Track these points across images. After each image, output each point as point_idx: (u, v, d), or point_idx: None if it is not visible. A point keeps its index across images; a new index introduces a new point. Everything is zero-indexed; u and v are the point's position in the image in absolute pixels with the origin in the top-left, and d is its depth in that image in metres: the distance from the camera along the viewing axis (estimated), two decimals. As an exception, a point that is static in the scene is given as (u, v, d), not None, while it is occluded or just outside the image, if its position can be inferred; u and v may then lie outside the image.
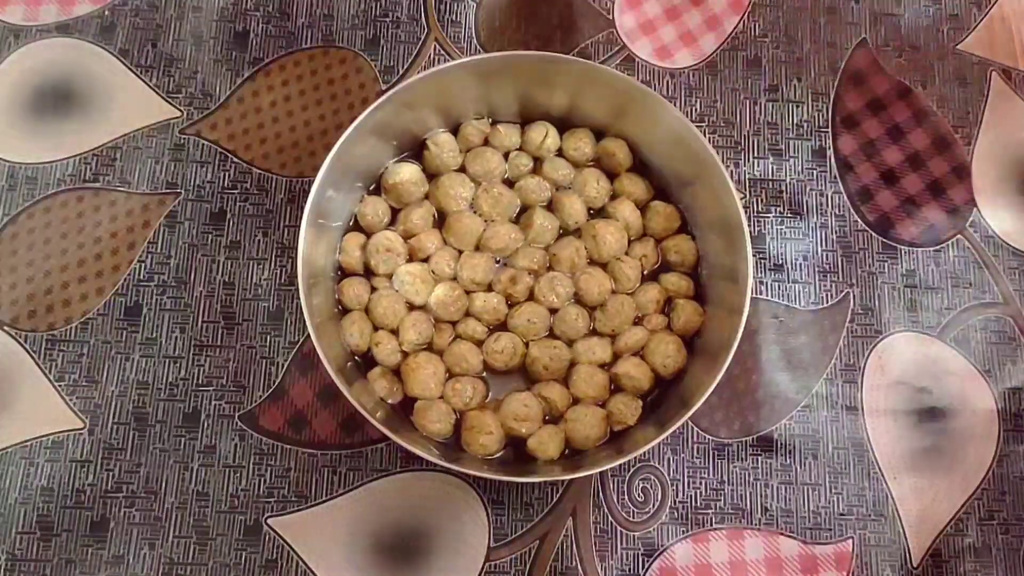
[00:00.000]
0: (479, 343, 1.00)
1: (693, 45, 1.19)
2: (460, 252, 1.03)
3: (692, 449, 1.03)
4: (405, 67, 1.16)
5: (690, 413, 0.90)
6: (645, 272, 1.04)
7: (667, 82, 1.17)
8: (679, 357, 0.99)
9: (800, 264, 1.10)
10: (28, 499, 0.99)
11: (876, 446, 1.04)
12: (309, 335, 0.91)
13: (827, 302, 1.09)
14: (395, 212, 1.05)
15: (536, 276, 1.02)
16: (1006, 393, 1.07)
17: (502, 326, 1.01)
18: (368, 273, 1.03)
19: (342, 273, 1.04)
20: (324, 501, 1.00)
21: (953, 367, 1.08)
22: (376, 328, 1.00)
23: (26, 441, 1.01)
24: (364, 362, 1.01)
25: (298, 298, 0.93)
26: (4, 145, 1.11)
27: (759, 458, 1.04)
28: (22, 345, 1.03)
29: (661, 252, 1.05)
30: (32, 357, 1.03)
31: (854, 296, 1.09)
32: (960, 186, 1.14)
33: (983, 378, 1.07)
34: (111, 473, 1.00)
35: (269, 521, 0.99)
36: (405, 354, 1.00)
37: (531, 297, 1.02)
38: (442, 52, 1.17)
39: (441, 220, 1.05)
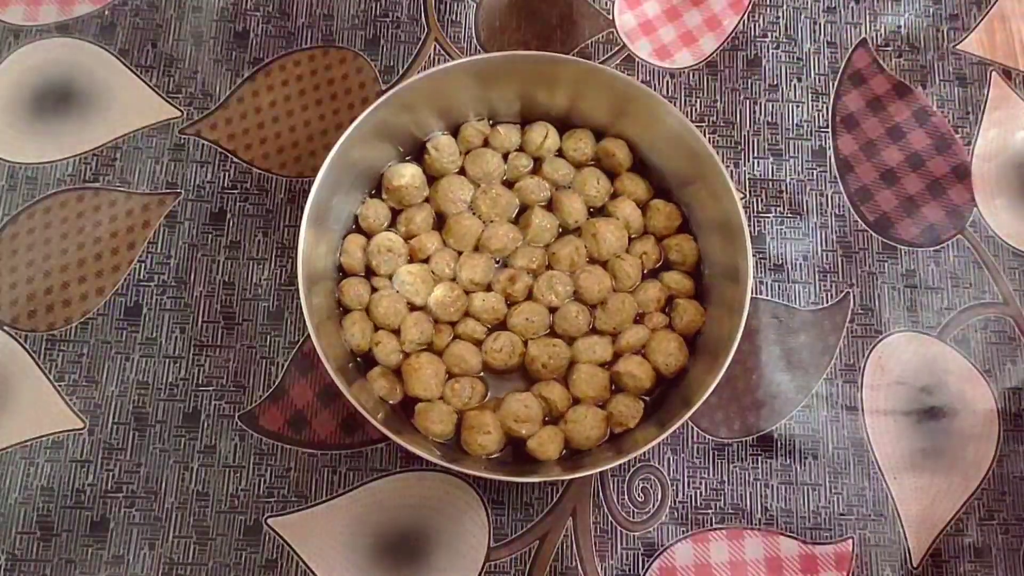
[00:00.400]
0: (478, 343, 1.01)
1: (693, 45, 1.19)
2: (460, 253, 1.03)
3: (692, 449, 1.03)
4: (405, 67, 1.16)
5: (690, 413, 0.90)
6: (646, 271, 1.04)
7: (667, 82, 1.17)
8: (680, 356, 0.99)
9: (800, 264, 1.10)
10: (28, 499, 0.99)
11: (876, 446, 1.04)
12: (309, 335, 0.91)
13: (827, 302, 1.09)
14: (395, 214, 1.05)
15: (535, 275, 1.02)
16: (1006, 393, 1.07)
17: (501, 325, 1.02)
18: (369, 274, 1.03)
19: (343, 274, 1.04)
20: (324, 501, 1.00)
21: (953, 367, 1.08)
22: (377, 328, 1.01)
23: (26, 441, 1.01)
24: (364, 362, 1.01)
25: (298, 298, 0.93)
26: (4, 145, 1.11)
27: (759, 458, 1.04)
28: (22, 345, 1.04)
29: (662, 250, 1.05)
30: (32, 357, 1.03)
31: (854, 296, 1.09)
32: (960, 186, 1.14)
33: (983, 378, 1.07)
34: (111, 473, 1.00)
35: (269, 521, 0.99)
36: (405, 354, 1.00)
37: (530, 296, 1.02)
38: (442, 52, 1.17)
39: (441, 222, 1.05)
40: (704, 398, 0.90)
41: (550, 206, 1.06)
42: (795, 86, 1.17)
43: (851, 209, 1.12)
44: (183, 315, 1.05)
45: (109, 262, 1.07)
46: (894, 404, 1.06)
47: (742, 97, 1.17)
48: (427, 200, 1.06)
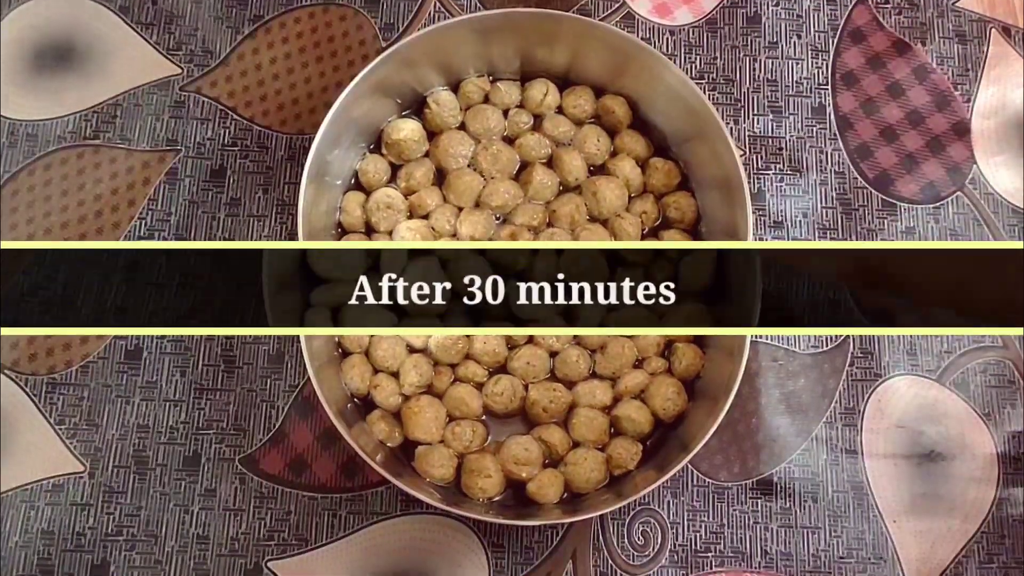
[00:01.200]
0: (479, 386, 1.01)
1: (693, 2, 1.19)
2: (460, 209, 1.04)
3: (692, 492, 1.03)
4: (405, 24, 1.16)
5: (690, 456, 0.90)
6: (645, 229, 1.04)
7: (667, 39, 1.17)
8: (679, 400, 0.99)
9: (800, 221, 1.10)
10: (28, 542, 0.99)
11: (876, 489, 1.04)
12: (309, 378, 0.91)
13: (826, 345, 1.09)
14: (395, 169, 1.06)
15: (536, 232, 1.02)
16: (1006, 436, 1.06)
17: (502, 368, 1.01)
18: (369, 231, 1.04)
19: (342, 231, 1.04)
20: (324, 544, 1.00)
21: (952, 411, 1.07)
22: (376, 371, 1.00)
23: (27, 484, 1.01)
24: (364, 405, 1.01)
25: (298, 342, 0.94)
26: (4, 102, 1.11)
27: (759, 501, 1.03)
28: (23, 388, 1.04)
29: (661, 208, 1.05)
30: (32, 400, 1.03)
31: (854, 339, 1.08)
32: (959, 143, 1.14)
33: (983, 421, 1.07)
34: (111, 516, 1.00)
35: (269, 564, 1.00)
36: (405, 397, 0.99)
37: (531, 340, 1.02)
38: (442, 9, 1.17)
39: (441, 178, 1.05)
40: (704, 442, 0.90)
41: (550, 163, 1.06)
42: (795, 43, 1.17)
43: (851, 166, 1.13)
44: (183, 359, 1.05)
45: (110, 219, 1.07)
46: (894, 448, 1.05)
47: (742, 54, 1.17)
48: (427, 155, 1.06)
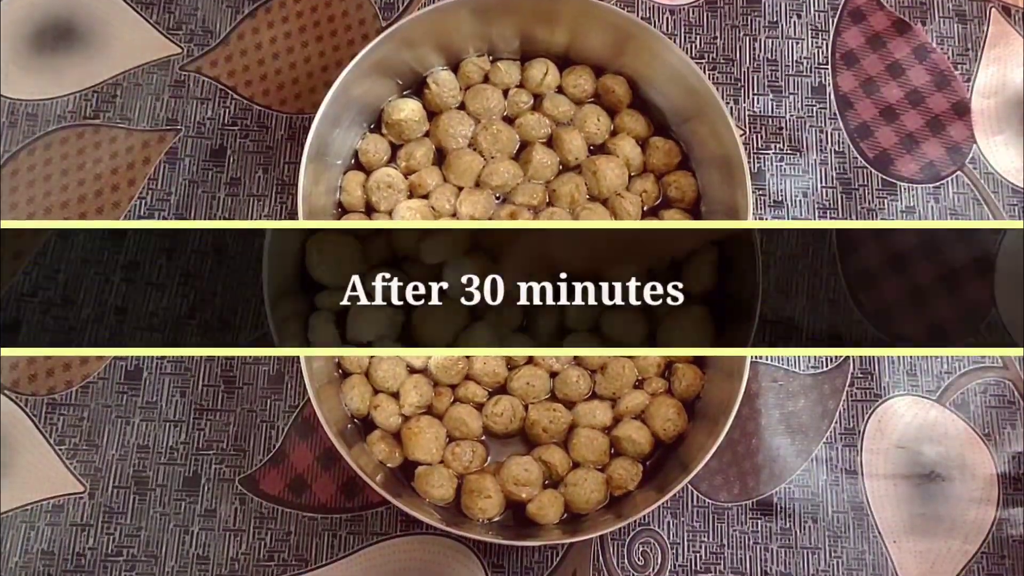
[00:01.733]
0: (479, 406, 1.00)
1: (693, -19, 1.19)
2: (460, 188, 1.03)
3: (692, 513, 1.03)
4: (405, 4, 1.16)
5: (690, 477, 0.90)
6: (645, 208, 1.04)
7: (667, 19, 1.17)
8: (679, 421, 0.99)
9: (800, 201, 1.10)
10: (28, 563, 0.99)
11: (876, 510, 1.04)
12: (309, 399, 0.91)
13: (827, 367, 1.09)
14: (395, 149, 1.06)
15: (536, 211, 1.03)
16: (1006, 457, 1.06)
17: (501, 389, 1.01)
18: (369, 210, 1.04)
19: (343, 211, 1.04)
20: (324, 565, 1.00)
21: (952, 431, 1.07)
22: (376, 391, 1.00)
23: (27, 505, 1.01)
24: (364, 425, 1.01)
25: (298, 362, 0.94)
26: (5, 82, 1.11)
27: (759, 522, 1.03)
28: (23, 409, 1.03)
29: (661, 188, 1.05)
30: (33, 421, 1.03)
31: (854, 360, 1.08)
32: (959, 123, 1.14)
33: (983, 442, 1.06)
34: (111, 537, 1.00)
35: None
36: (405, 418, 0.99)
37: (531, 361, 1.02)
38: (442, -12, 1.17)
39: (441, 158, 1.05)
40: (704, 462, 0.90)
41: (550, 143, 1.06)
42: (795, 23, 1.17)
43: (851, 146, 1.13)
44: (183, 379, 1.05)
45: (110, 198, 1.07)
46: (894, 468, 1.05)
47: (742, 34, 1.17)
48: (427, 135, 1.06)
